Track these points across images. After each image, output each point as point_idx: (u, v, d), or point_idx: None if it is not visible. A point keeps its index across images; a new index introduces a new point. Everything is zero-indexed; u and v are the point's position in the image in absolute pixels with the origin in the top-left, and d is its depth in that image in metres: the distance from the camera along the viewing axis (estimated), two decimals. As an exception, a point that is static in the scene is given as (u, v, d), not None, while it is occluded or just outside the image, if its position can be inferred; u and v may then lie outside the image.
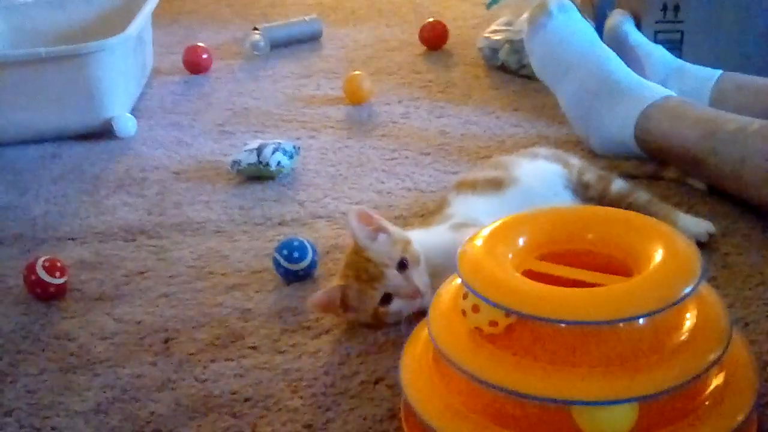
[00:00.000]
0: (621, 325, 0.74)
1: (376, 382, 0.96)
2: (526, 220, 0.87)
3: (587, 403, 0.72)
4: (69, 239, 1.33)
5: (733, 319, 0.82)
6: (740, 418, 0.76)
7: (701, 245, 1.13)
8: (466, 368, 0.77)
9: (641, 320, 0.74)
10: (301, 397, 0.95)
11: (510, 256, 0.81)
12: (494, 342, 0.77)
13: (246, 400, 0.95)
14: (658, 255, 0.78)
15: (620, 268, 0.81)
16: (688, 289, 0.74)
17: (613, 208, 0.91)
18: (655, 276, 0.76)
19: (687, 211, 1.24)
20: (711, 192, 1.28)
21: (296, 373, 0.99)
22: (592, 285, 0.77)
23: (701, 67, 1.48)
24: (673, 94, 1.38)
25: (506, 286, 0.76)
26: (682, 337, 0.76)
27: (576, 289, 0.75)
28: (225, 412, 0.94)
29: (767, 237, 1.17)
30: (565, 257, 0.84)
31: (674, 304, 0.73)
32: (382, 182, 1.43)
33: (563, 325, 0.74)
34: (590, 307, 0.73)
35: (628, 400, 0.72)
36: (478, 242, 0.83)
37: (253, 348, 1.04)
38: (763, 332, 0.98)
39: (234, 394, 0.96)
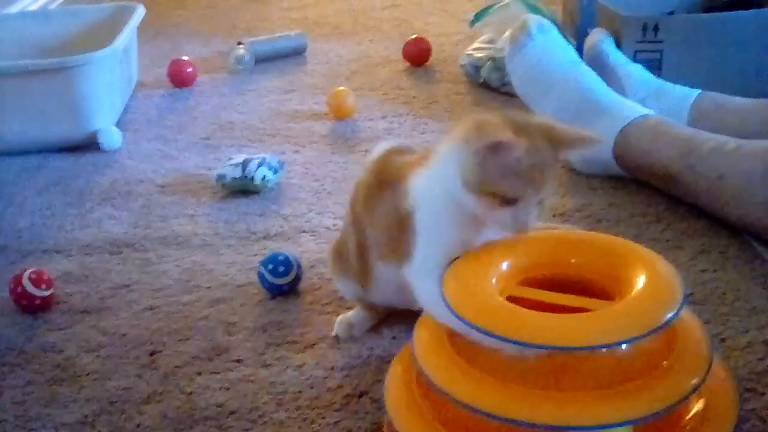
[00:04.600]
0: (605, 350, 0.75)
1: (361, 396, 0.97)
2: (509, 245, 0.86)
3: (587, 428, 0.73)
4: (55, 252, 1.34)
5: (710, 336, 0.84)
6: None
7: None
8: (455, 396, 0.77)
9: (624, 345, 0.75)
10: (287, 410, 0.96)
11: (494, 281, 0.81)
12: (481, 368, 0.78)
13: (232, 412, 0.96)
14: (641, 280, 0.79)
15: (603, 292, 0.82)
16: (670, 315, 0.75)
17: (595, 233, 0.92)
18: (638, 301, 0.77)
19: (664, 229, 1.27)
20: (688, 209, 1.31)
21: (281, 387, 1.00)
22: (576, 310, 0.78)
23: (680, 87, 1.51)
24: (652, 112, 1.40)
25: (492, 313, 0.77)
26: (665, 361, 0.78)
27: (561, 315, 0.76)
28: (211, 425, 0.95)
29: (743, 253, 1.19)
30: (547, 282, 0.84)
31: (657, 329, 0.74)
32: (366, 197, 1.44)
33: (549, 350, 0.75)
34: (576, 334, 0.74)
35: (626, 423, 0.73)
36: (462, 268, 0.84)
37: (239, 361, 1.05)
38: (740, 348, 1.00)
39: (220, 406, 0.97)
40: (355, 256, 1.01)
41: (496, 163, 0.79)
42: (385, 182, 0.95)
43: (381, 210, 0.94)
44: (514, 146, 0.78)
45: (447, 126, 0.90)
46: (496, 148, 0.78)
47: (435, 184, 0.86)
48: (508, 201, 0.81)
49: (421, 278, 0.87)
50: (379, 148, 1.02)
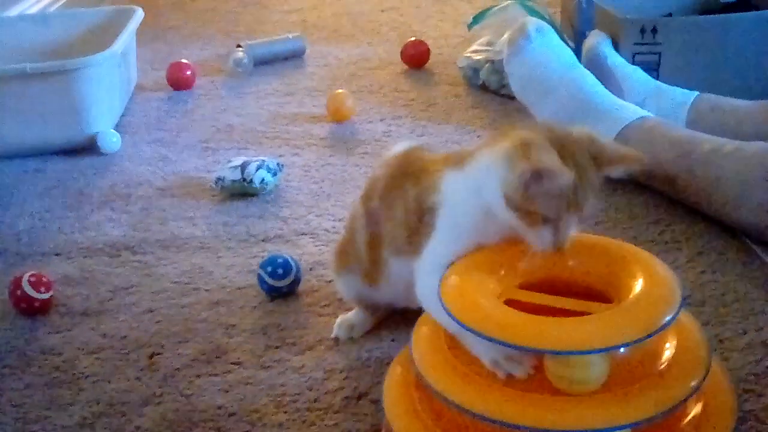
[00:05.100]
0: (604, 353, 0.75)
1: (359, 398, 0.97)
2: (507, 249, 0.86)
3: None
4: (54, 254, 1.34)
5: (708, 337, 0.84)
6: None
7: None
8: (453, 399, 0.77)
9: (622, 349, 0.76)
10: (286, 412, 0.96)
11: (492, 284, 0.82)
12: (480, 372, 0.78)
13: (231, 414, 0.96)
14: (639, 283, 0.80)
15: (601, 295, 0.82)
16: (669, 317, 0.75)
17: (593, 236, 0.92)
18: (636, 304, 0.77)
19: (663, 231, 1.27)
20: (687, 211, 1.31)
21: (281, 389, 1.00)
22: (574, 313, 0.78)
23: (678, 89, 1.51)
24: (650, 114, 1.41)
25: (491, 317, 0.77)
26: (664, 364, 0.78)
27: (560, 319, 0.76)
28: (210, 427, 0.95)
29: (742, 255, 1.20)
30: (546, 285, 0.84)
31: (655, 332, 0.74)
32: (365, 200, 1.45)
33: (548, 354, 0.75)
34: (574, 337, 0.74)
35: (626, 426, 0.73)
36: (461, 271, 0.84)
37: (238, 363, 1.05)
38: (738, 349, 1.01)
39: (219, 408, 0.98)
40: (366, 252, 1.00)
41: (541, 187, 0.78)
42: (409, 174, 0.94)
43: (401, 201, 0.93)
44: (560, 174, 0.77)
45: (489, 134, 0.89)
46: (541, 175, 0.77)
47: (467, 189, 0.86)
48: (548, 219, 0.81)
49: (427, 274, 0.87)
50: (400, 146, 1.01)
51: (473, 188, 0.85)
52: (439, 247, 0.88)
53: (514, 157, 0.80)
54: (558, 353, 0.74)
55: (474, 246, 0.86)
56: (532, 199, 0.79)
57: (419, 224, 0.90)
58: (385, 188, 0.97)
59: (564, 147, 0.80)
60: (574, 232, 0.83)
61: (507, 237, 0.85)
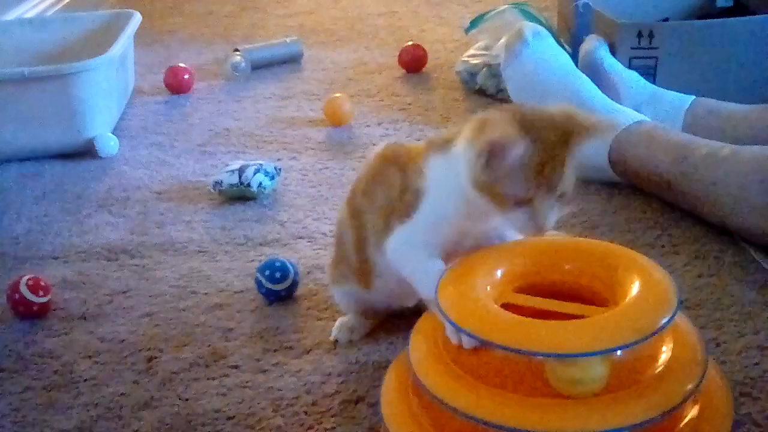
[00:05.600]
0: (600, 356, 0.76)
1: (357, 402, 0.97)
2: (504, 252, 0.87)
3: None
4: (52, 258, 1.34)
5: (705, 341, 0.84)
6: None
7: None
8: (450, 403, 0.77)
9: (619, 352, 0.76)
10: (283, 416, 0.96)
11: (488, 288, 0.82)
12: (477, 376, 0.79)
13: (229, 418, 0.97)
14: (635, 286, 0.80)
15: (597, 298, 0.83)
16: (665, 320, 0.75)
17: (590, 240, 0.92)
18: (632, 307, 0.78)
19: (660, 235, 1.27)
20: (683, 215, 1.31)
21: (278, 392, 1.00)
22: (571, 316, 0.78)
23: (674, 93, 1.52)
24: (647, 119, 1.41)
25: (487, 320, 0.77)
26: (660, 368, 0.78)
27: (556, 322, 0.76)
28: (208, 431, 0.95)
29: (738, 259, 1.20)
30: (542, 288, 0.84)
31: (652, 335, 0.75)
32: (363, 203, 1.45)
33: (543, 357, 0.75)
34: (571, 340, 0.74)
35: (622, 429, 0.73)
36: (457, 275, 0.84)
37: (236, 367, 1.05)
38: (735, 352, 1.01)
39: (217, 412, 0.98)
40: (355, 253, 1.00)
41: (501, 163, 0.76)
42: (392, 163, 0.94)
43: (384, 188, 0.93)
44: (514, 144, 0.75)
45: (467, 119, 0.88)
46: (496, 148, 0.76)
47: (450, 175, 0.85)
48: (520, 202, 0.79)
49: (400, 244, 0.90)
50: (379, 146, 1.00)
51: (454, 174, 0.84)
52: (418, 230, 0.88)
53: (473, 138, 0.79)
54: (555, 356, 0.74)
55: (457, 234, 0.87)
56: (498, 180, 0.78)
57: (399, 203, 0.90)
58: (366, 183, 0.97)
59: (528, 122, 0.78)
60: (555, 216, 0.82)
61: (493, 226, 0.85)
